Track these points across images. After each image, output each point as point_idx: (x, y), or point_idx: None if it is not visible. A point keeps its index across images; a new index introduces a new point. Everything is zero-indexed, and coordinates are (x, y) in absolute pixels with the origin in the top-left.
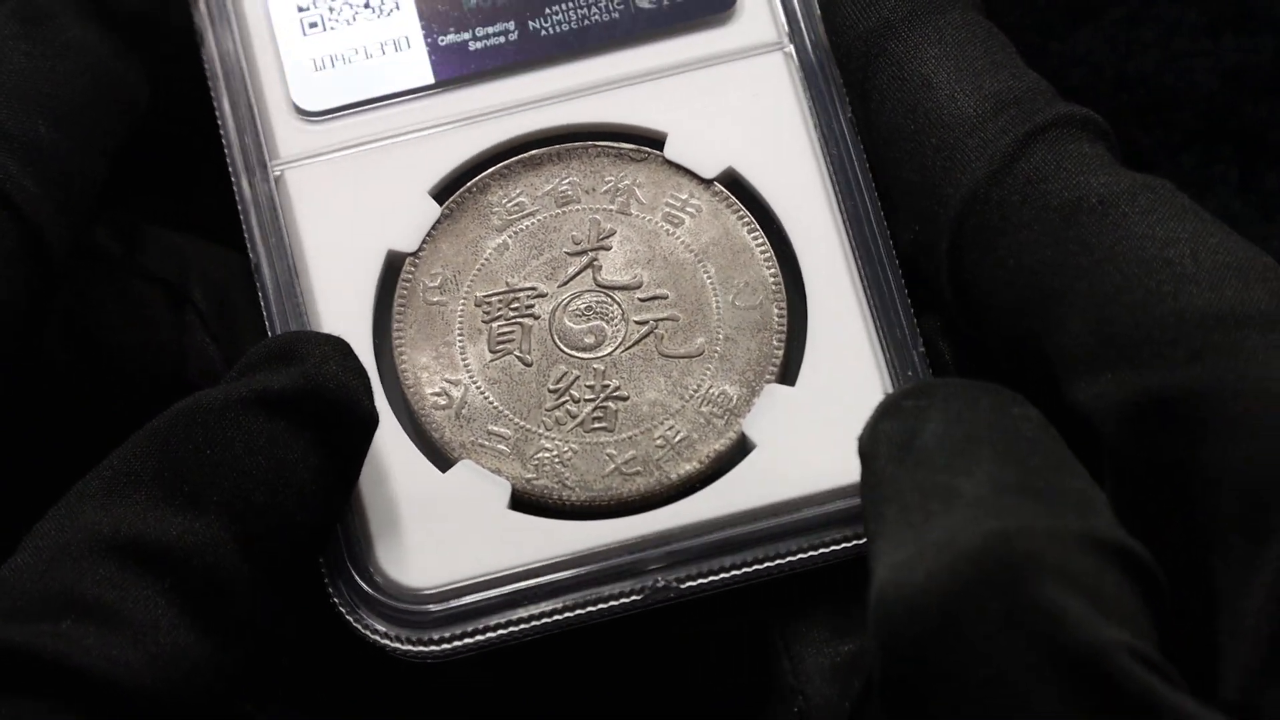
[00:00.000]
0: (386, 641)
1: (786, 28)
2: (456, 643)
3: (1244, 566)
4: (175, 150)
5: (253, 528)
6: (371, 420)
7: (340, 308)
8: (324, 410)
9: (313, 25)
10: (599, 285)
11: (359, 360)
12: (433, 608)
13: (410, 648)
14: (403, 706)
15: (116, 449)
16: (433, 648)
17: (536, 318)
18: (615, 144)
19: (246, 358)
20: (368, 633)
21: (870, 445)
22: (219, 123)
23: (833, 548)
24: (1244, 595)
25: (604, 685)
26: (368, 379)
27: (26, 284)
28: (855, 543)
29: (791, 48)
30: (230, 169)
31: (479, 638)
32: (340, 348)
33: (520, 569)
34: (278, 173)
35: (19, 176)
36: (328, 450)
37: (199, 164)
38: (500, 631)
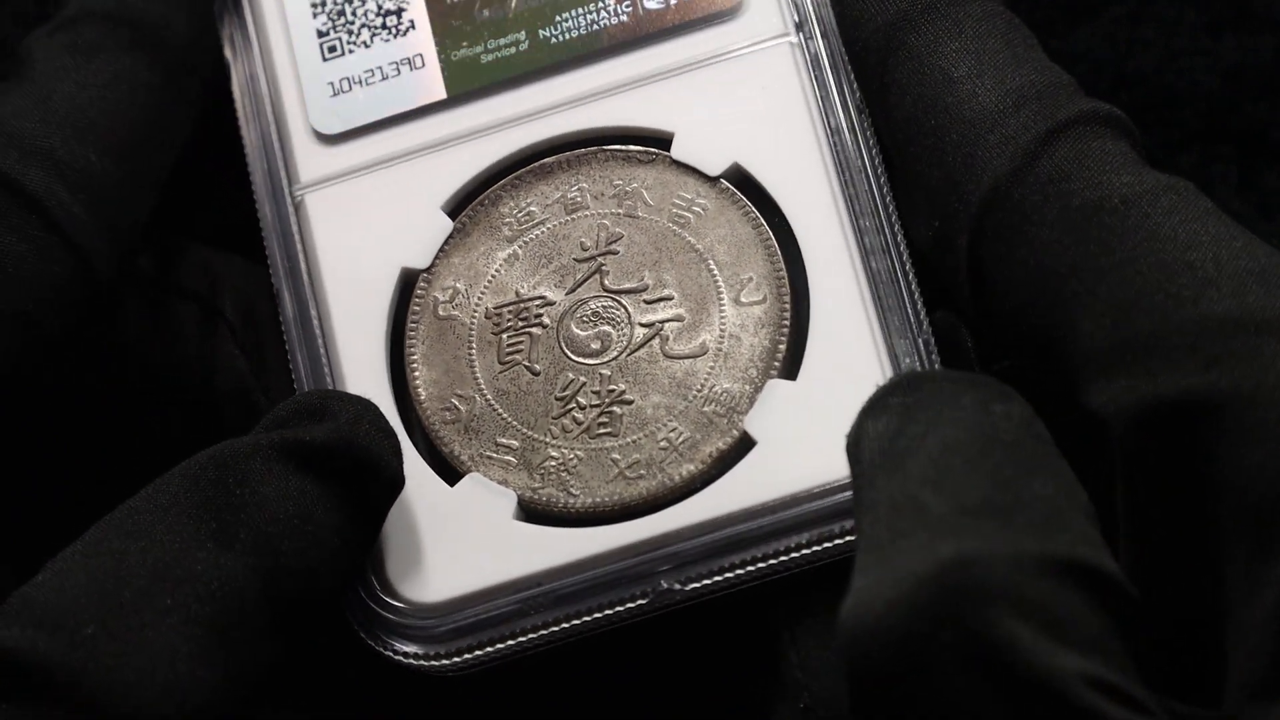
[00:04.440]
0: (400, 657)
1: (795, 19)
2: (468, 655)
3: (1251, 579)
4: (210, 173)
5: (276, 571)
6: (398, 482)
7: (356, 329)
8: (353, 467)
9: (332, 50)
10: (606, 290)
11: (389, 423)
12: (442, 621)
13: (423, 663)
14: (417, 715)
15: (146, 486)
16: (444, 661)
17: (545, 326)
18: (624, 148)
19: (276, 412)
20: (381, 648)
21: (855, 446)
22: (245, 149)
23: (836, 542)
24: (1250, 608)
25: (610, 689)
26: (397, 441)
27: (73, 310)
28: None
29: (799, 38)
30: (255, 194)
31: (489, 649)
32: (371, 410)
33: (527, 579)
34: (298, 198)
35: (69, 204)
36: (353, 506)
37: (229, 187)
38: (510, 642)
